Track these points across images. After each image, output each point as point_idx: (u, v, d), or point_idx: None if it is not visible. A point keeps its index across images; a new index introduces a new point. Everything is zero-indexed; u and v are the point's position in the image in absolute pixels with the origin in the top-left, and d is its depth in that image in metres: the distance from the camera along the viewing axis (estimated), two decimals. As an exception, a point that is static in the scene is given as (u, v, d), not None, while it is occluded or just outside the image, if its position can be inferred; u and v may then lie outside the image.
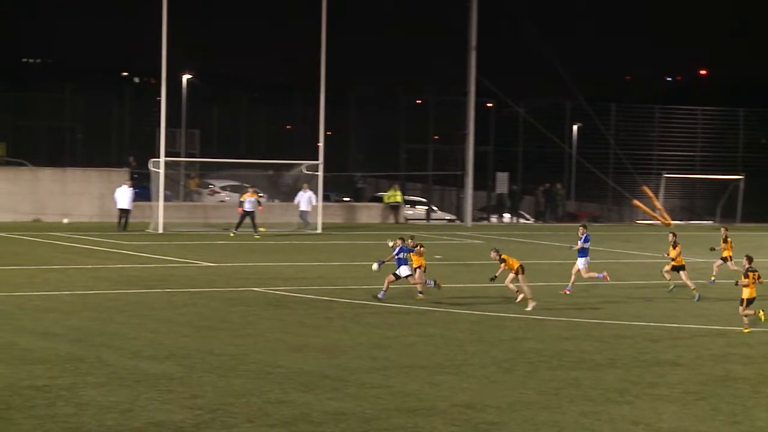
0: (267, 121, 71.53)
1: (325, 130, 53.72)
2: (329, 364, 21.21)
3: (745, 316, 26.49)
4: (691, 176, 69.03)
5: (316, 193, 53.31)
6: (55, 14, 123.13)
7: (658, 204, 64.64)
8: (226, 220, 51.24)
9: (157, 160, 50.75)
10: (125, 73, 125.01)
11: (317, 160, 53.51)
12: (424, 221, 63.60)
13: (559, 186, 66.96)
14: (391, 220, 60.28)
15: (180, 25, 55.09)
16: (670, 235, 33.72)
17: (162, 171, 50.28)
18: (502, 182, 65.83)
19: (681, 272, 32.92)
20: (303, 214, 52.54)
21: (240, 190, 54.53)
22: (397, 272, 29.58)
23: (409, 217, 62.86)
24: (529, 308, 28.88)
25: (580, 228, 32.96)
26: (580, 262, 32.21)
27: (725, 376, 21.43)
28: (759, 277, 26.39)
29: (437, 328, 25.91)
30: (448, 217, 65.65)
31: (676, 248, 32.90)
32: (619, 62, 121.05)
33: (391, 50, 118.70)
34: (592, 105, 66.30)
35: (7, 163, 59.17)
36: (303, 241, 47.67)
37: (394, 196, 60.92)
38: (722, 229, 37.35)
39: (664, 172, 67.89)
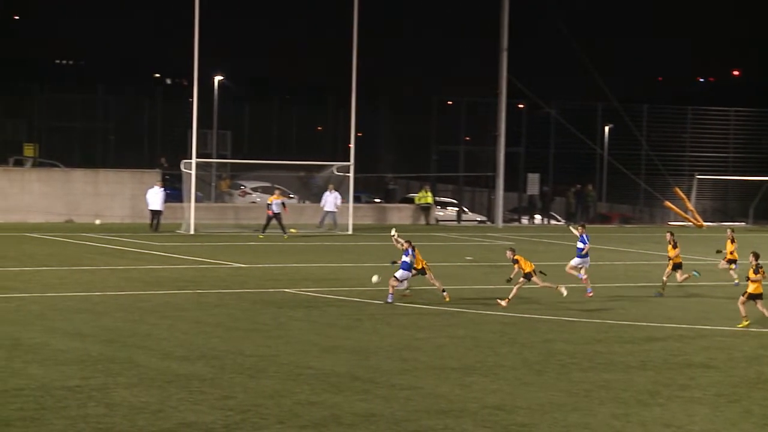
0: (298, 122, 71.61)
1: (356, 132, 53.76)
2: (360, 365, 21.22)
3: (742, 309, 26.78)
4: (723, 177, 68.71)
5: (347, 194, 53.36)
6: (88, 16, 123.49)
7: (690, 205, 64.38)
8: (256, 221, 51.33)
9: (188, 161, 50.92)
10: (157, 75, 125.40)
11: (348, 161, 53.56)
12: (455, 222, 63.52)
13: (590, 187, 66.75)
14: (422, 221, 60.22)
15: (212, 26, 55.23)
16: (668, 234, 33.70)
17: (193, 172, 50.42)
18: (533, 183, 65.66)
19: (678, 271, 32.91)
20: (330, 214, 52.54)
21: (271, 192, 54.70)
22: (395, 275, 29.47)
23: (439, 219, 62.79)
24: (564, 293, 29.11)
25: (579, 228, 33.06)
26: (576, 261, 32.18)
27: (757, 379, 21.33)
28: (764, 274, 26.66)
29: (468, 329, 25.89)
30: (479, 219, 65.54)
31: (676, 248, 32.90)
32: (650, 63, 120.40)
33: (422, 51, 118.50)
34: (624, 106, 66.07)
35: (41, 165, 59.46)
36: (333, 242, 47.72)
37: (425, 197, 60.86)
38: (728, 230, 37.27)
39: (697, 173, 67.60)
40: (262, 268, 37.28)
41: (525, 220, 66.12)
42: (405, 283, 29.79)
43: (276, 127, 70.06)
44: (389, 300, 29.28)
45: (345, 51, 53.55)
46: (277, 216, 48.70)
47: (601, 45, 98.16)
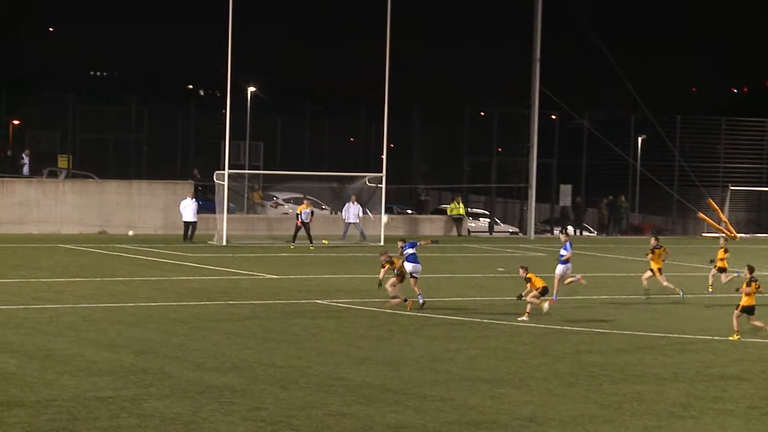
0: (330, 133, 71.75)
1: (388, 142, 53.83)
2: (391, 376, 21.23)
3: (736, 323, 27.02)
4: (757, 189, 68.38)
5: (379, 205, 53.46)
6: (121, 28, 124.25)
7: (723, 217, 64.11)
8: (288, 232, 51.46)
9: (221, 172, 51.12)
10: (191, 86, 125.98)
11: (380, 172, 53.64)
12: (487, 234, 63.48)
13: (623, 198, 66.59)
14: (454, 232, 60.21)
15: (245, 38, 55.48)
16: (653, 239, 33.90)
17: (226, 183, 50.62)
18: (566, 195, 65.57)
19: (656, 274, 32.92)
20: (353, 226, 52.69)
21: (302, 200, 54.91)
22: (408, 270, 29.90)
23: (471, 230, 62.77)
24: (546, 309, 29.16)
25: (562, 235, 33.42)
26: (559, 269, 32.21)
27: (791, 391, 21.22)
28: (759, 287, 26.95)
29: (499, 341, 25.88)
30: (511, 230, 65.49)
31: (655, 252, 33.03)
32: (684, 73, 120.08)
33: (454, 62, 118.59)
34: (657, 117, 65.89)
35: (74, 176, 59.80)
36: (365, 254, 47.73)
37: (457, 208, 60.84)
38: (721, 239, 37.51)
39: (730, 184, 67.33)
40: (293, 279, 37.36)
41: (557, 232, 66.01)
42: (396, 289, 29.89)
43: (308, 138, 70.21)
44: (420, 302, 29.54)
45: (377, 62, 53.67)
46: (306, 225, 48.93)
47: (635, 55, 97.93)
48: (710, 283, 35.92)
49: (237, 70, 50.94)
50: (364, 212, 54.74)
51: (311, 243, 48.91)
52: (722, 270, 35.88)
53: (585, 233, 66.67)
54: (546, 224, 66.78)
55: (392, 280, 29.98)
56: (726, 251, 36.00)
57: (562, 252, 32.35)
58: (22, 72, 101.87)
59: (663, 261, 33.68)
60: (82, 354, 22.52)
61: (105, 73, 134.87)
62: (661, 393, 20.55)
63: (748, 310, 26.94)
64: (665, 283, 33.27)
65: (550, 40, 61.90)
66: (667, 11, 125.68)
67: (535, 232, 61.73)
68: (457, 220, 60.63)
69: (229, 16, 49.89)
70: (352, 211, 52.66)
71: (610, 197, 66.43)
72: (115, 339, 24.44)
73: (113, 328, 25.95)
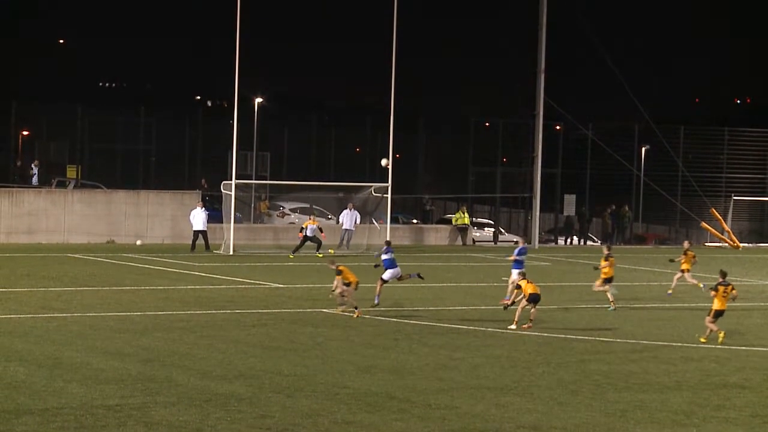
0: (337, 143, 71.89)
1: (394, 153, 54.05)
2: (396, 385, 21.41)
3: (710, 327, 27.57)
4: (760, 198, 68.48)
5: (384, 214, 53.68)
6: (129, 39, 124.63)
7: (726, 226, 64.22)
8: (295, 242, 51.64)
9: (228, 182, 51.35)
10: (198, 97, 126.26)
11: (386, 182, 53.84)
12: (492, 243, 63.61)
13: (626, 208, 66.69)
14: (459, 242, 60.37)
15: (252, 48, 55.69)
16: (605, 248, 34.45)
17: (233, 193, 50.83)
18: (570, 204, 65.73)
19: (608, 284, 33.47)
20: (347, 232, 53.04)
21: (309, 213, 55.16)
22: (383, 277, 31.48)
23: (476, 239, 62.92)
24: (512, 327, 28.95)
25: (519, 240, 34.10)
26: (514, 273, 32.54)
27: (792, 400, 21.36)
28: (733, 289, 27.59)
29: (504, 349, 26.04)
30: (515, 239, 65.55)
31: (609, 260, 33.43)
32: (687, 84, 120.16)
33: (459, 72, 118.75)
34: (660, 127, 66.01)
35: (83, 186, 60.00)
36: (370, 263, 47.80)
37: (462, 218, 61.02)
38: (685, 242, 38.50)
39: (733, 194, 67.44)
40: (299, 288, 37.54)
41: (561, 241, 66.16)
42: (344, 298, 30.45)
43: (315, 149, 70.38)
44: (416, 275, 31.76)
45: (383, 72, 53.89)
46: (311, 238, 49.32)
47: (638, 66, 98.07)
48: (697, 283, 36.40)
49: (244, 81, 51.18)
50: (371, 222, 55.06)
51: (318, 250, 49.23)
52: (683, 271, 36.80)
53: (589, 243, 66.76)
54: (550, 234, 66.93)
55: (341, 289, 30.35)
56: (685, 253, 36.73)
57: (515, 255, 33.03)
58: (31, 83, 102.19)
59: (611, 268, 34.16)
60: (90, 362, 22.70)
61: (113, 84, 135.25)
62: (665, 401, 20.70)
63: (720, 315, 27.37)
64: (600, 289, 33.70)
65: (554, 51, 62.08)
66: (669, 19, 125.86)
67: (540, 242, 61.86)
68: (462, 230, 60.78)
69: (237, 27, 50.11)
70: (348, 218, 53.08)
71: (614, 207, 66.55)
72: (123, 348, 24.62)
73: (121, 336, 26.14)
